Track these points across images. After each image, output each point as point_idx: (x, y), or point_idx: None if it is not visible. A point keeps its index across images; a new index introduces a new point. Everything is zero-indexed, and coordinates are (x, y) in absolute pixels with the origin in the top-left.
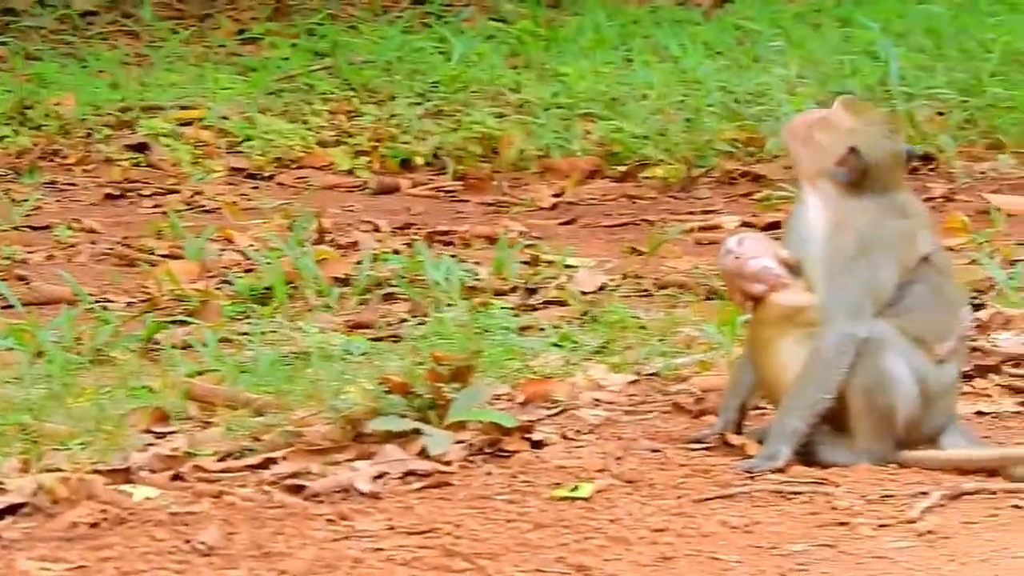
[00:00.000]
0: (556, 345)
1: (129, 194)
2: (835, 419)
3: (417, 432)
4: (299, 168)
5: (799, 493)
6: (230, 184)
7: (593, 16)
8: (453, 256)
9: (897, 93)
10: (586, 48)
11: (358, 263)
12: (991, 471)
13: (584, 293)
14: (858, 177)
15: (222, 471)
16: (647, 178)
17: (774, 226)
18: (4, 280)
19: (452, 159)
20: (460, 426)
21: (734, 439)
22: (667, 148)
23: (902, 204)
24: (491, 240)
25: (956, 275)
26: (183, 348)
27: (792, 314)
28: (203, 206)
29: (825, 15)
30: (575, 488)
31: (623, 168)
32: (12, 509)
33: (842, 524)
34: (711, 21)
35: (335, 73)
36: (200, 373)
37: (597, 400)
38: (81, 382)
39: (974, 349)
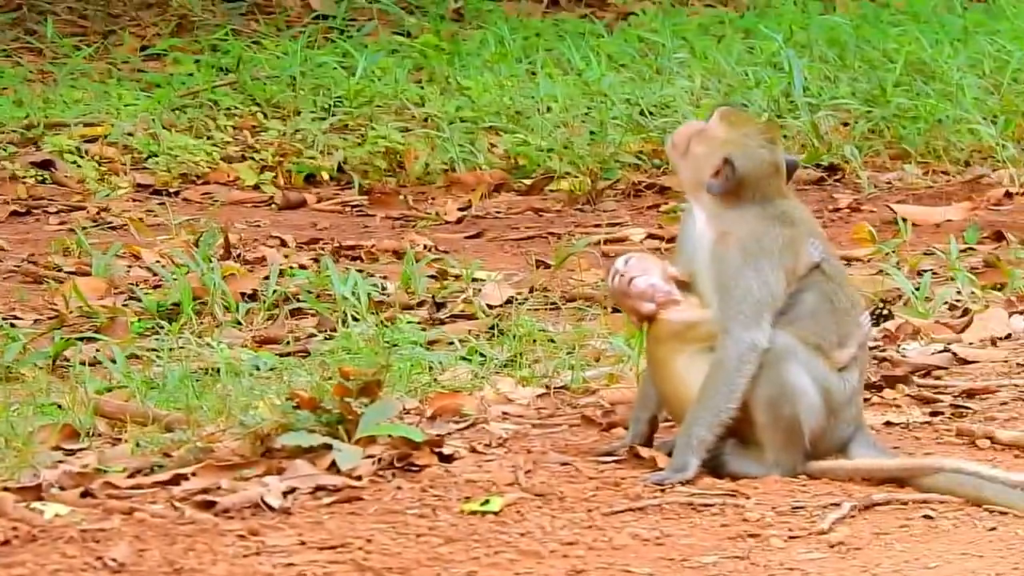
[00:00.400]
0: (464, 359)
1: (35, 211)
2: (743, 431)
3: (327, 447)
4: (205, 184)
5: (709, 505)
6: (136, 200)
7: (496, 29)
8: (360, 271)
9: (801, 104)
10: (490, 61)
11: (265, 278)
12: (900, 481)
13: (491, 307)
14: (733, 188)
15: (132, 487)
16: (553, 191)
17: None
18: None
19: (358, 173)
20: (370, 441)
21: (644, 452)
22: (572, 161)
23: (785, 212)
24: (398, 254)
25: (863, 285)
26: (92, 365)
27: (684, 330)
28: (109, 223)
29: (728, 26)
30: (485, 502)
31: (529, 181)
32: None
33: (753, 536)
34: (614, 34)
35: (239, 89)
36: (109, 390)
37: (506, 413)
38: None
39: (883, 360)
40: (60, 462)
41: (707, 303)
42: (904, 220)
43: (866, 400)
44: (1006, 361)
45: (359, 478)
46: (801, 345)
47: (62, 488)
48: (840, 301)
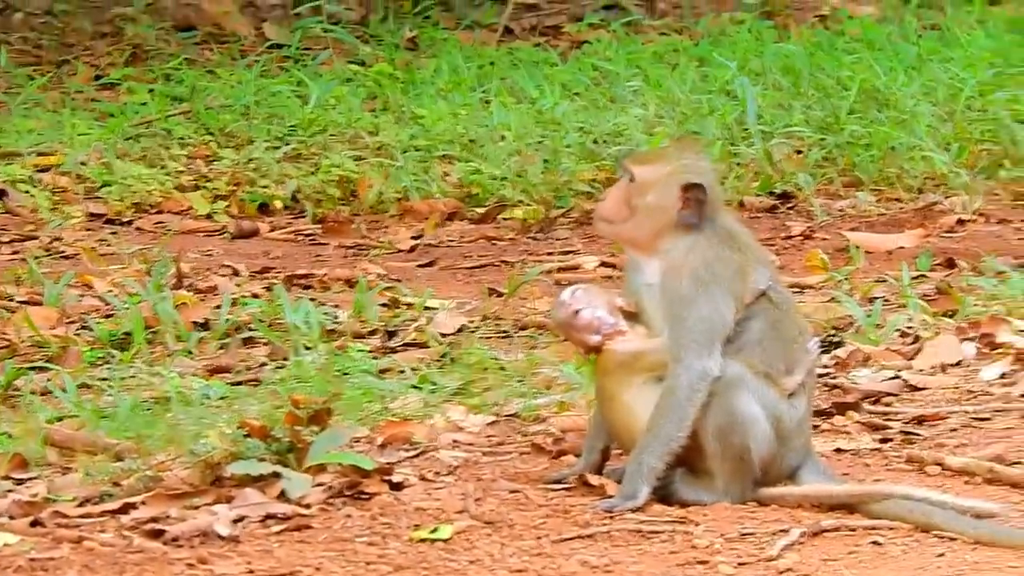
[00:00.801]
0: (415, 387)
1: None
2: (692, 460)
3: (276, 475)
4: (157, 213)
5: (659, 532)
6: (88, 230)
7: (450, 58)
8: (312, 299)
9: (755, 131)
10: (443, 90)
11: (217, 307)
12: (849, 507)
13: (444, 335)
14: (705, 210)
15: (82, 516)
16: (506, 219)
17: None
18: None
19: (311, 202)
20: (319, 469)
21: (593, 479)
22: (525, 189)
23: (733, 236)
24: (350, 283)
25: (815, 313)
26: (42, 394)
27: (631, 361)
28: (62, 252)
29: (682, 55)
30: (435, 529)
31: (482, 210)
32: None
33: (702, 563)
34: (568, 62)
35: (193, 118)
36: (60, 419)
37: (456, 441)
38: None
39: (833, 387)
40: (9, 491)
41: (655, 333)
42: (856, 247)
43: (816, 427)
44: (956, 388)
45: (308, 506)
46: (751, 373)
47: (11, 517)
48: (787, 328)
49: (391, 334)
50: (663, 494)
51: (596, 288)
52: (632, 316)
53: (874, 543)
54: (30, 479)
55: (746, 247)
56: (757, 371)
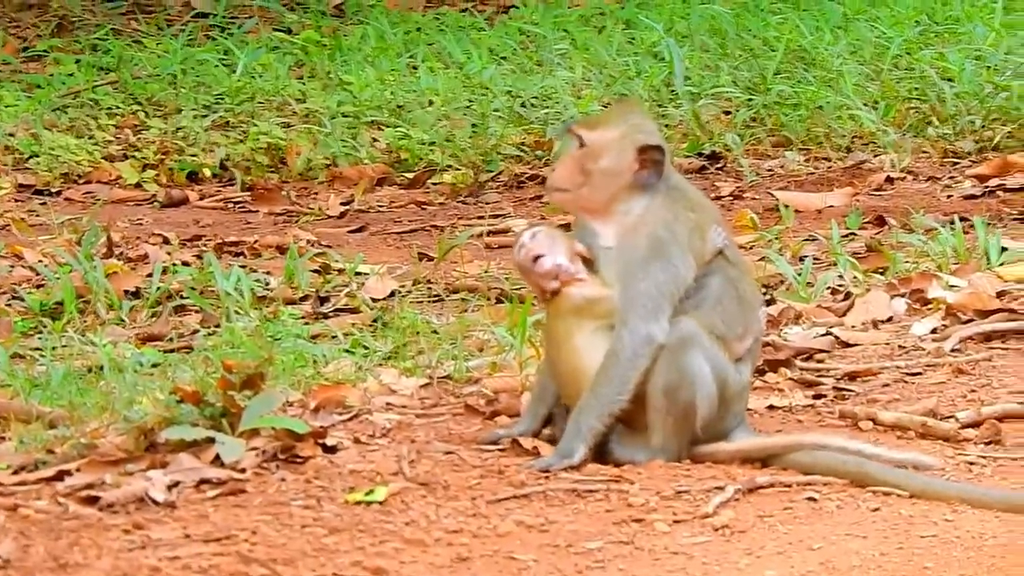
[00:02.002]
0: (348, 352)
1: None
2: (631, 416)
3: (210, 440)
4: (87, 183)
5: (594, 491)
6: (18, 201)
7: (377, 24)
8: (243, 267)
9: (683, 93)
10: (371, 56)
11: (148, 276)
12: (783, 463)
13: (375, 300)
14: (662, 169)
15: (16, 484)
16: (435, 184)
17: (563, 228)
18: None
19: (240, 170)
20: (253, 433)
21: (527, 442)
22: (454, 154)
23: (688, 196)
24: (281, 250)
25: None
26: None
27: (586, 307)
28: None
29: (609, 18)
30: (370, 492)
31: (411, 175)
32: None
33: (637, 521)
34: (495, 27)
35: (120, 88)
36: None
37: (389, 404)
38: None
39: (765, 344)
40: None
41: (609, 285)
42: (786, 207)
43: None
44: (888, 344)
45: (243, 471)
46: (705, 333)
47: None
48: (744, 290)
49: (323, 300)
50: (598, 453)
51: (557, 231)
52: (589, 263)
53: (809, 499)
54: None
55: (700, 205)
56: (712, 332)
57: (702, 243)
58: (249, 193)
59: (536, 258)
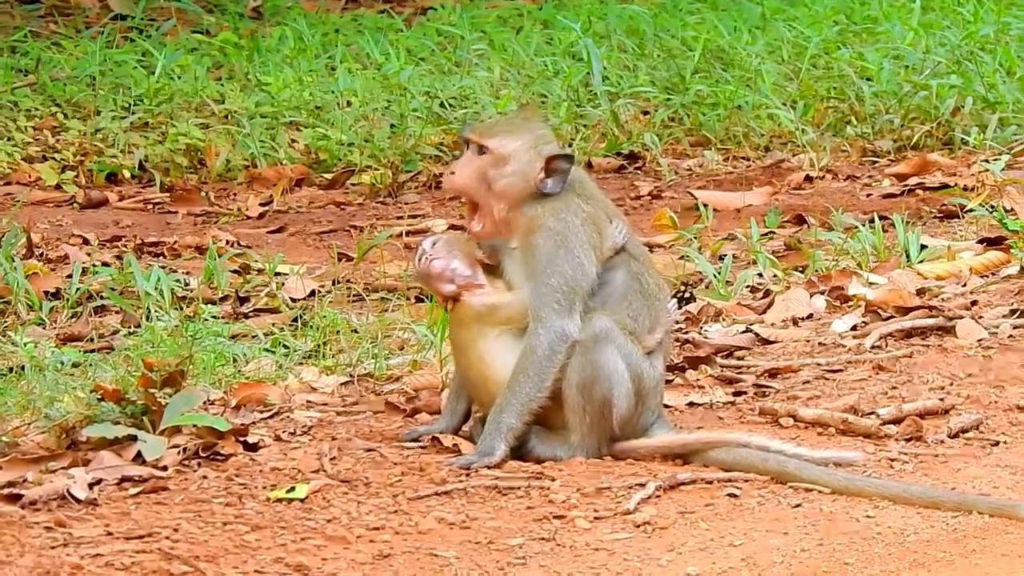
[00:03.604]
0: (268, 351)
1: None
2: (549, 415)
3: (132, 438)
4: (6, 184)
5: (515, 488)
6: None
7: (295, 26)
8: (163, 267)
9: (601, 93)
10: (289, 57)
11: (68, 276)
12: (703, 459)
13: (295, 300)
14: (567, 177)
15: None
16: (354, 184)
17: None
18: None
19: (159, 171)
20: (174, 431)
21: (447, 440)
22: (373, 154)
23: (586, 192)
24: (200, 250)
25: (665, 270)
26: None
27: (486, 313)
28: None
29: (527, 18)
30: (291, 489)
31: (330, 175)
32: None
33: (559, 517)
34: (413, 28)
35: (39, 90)
36: None
37: (310, 402)
38: None
39: (685, 341)
40: None
41: (514, 287)
42: (705, 206)
43: (669, 382)
44: (808, 341)
45: (165, 468)
46: (617, 329)
47: None
48: (649, 284)
49: (242, 300)
50: (519, 452)
51: (457, 239)
52: (491, 269)
53: (730, 495)
54: None
55: (598, 200)
56: (624, 327)
57: (599, 236)
58: (168, 194)
59: (433, 263)
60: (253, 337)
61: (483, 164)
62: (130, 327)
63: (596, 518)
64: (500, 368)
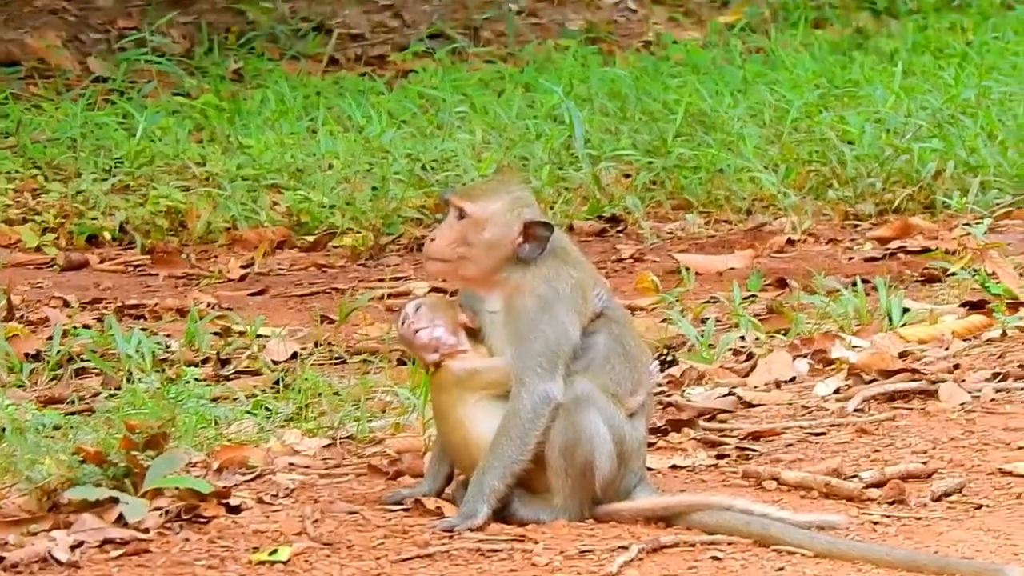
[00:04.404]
0: (250, 413)
1: None
2: (531, 477)
3: (114, 500)
4: None
5: (498, 550)
6: None
7: (276, 88)
8: (144, 329)
9: (583, 156)
10: (270, 120)
11: (49, 339)
12: (686, 520)
13: (276, 362)
14: (547, 244)
15: None
16: (336, 247)
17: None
18: None
19: (140, 233)
20: (156, 493)
21: (430, 502)
22: (355, 217)
23: (569, 256)
24: (182, 312)
25: (647, 333)
26: None
27: (467, 379)
28: None
29: (508, 81)
30: (274, 552)
31: (311, 238)
32: None
33: None
34: (394, 91)
35: (20, 152)
36: None
37: (292, 464)
38: None
39: (668, 404)
40: None
41: (496, 352)
42: (687, 269)
43: (652, 444)
44: (790, 404)
45: (147, 531)
46: (599, 392)
47: None
48: (631, 347)
49: (224, 362)
50: (502, 514)
51: (440, 303)
52: (473, 333)
53: (713, 558)
54: None
55: (580, 264)
56: (606, 390)
57: (584, 302)
58: (149, 256)
59: (417, 331)
60: (235, 399)
61: (462, 228)
62: (111, 389)
63: None
64: (481, 433)
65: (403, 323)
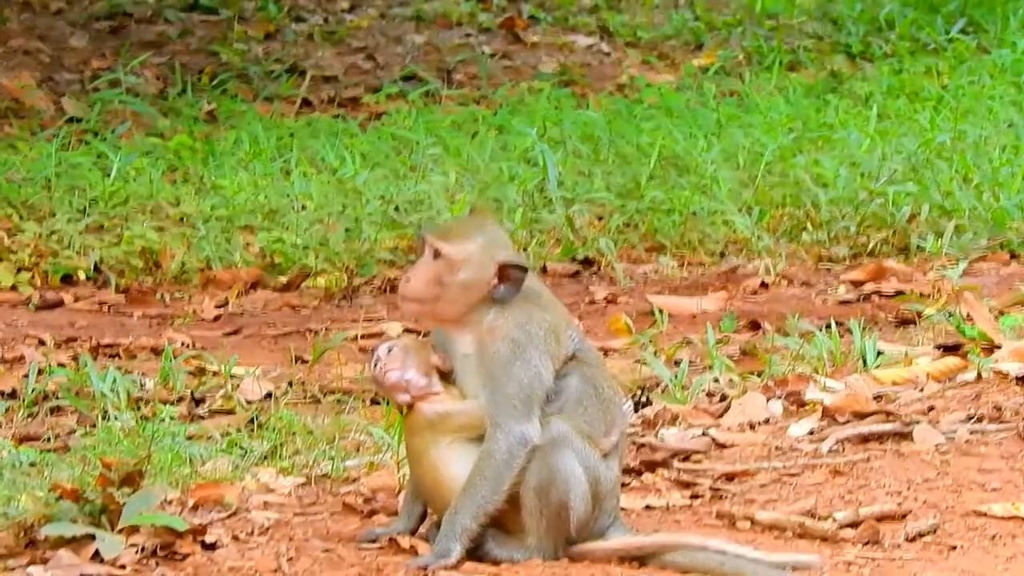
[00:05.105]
0: (225, 451)
1: None
2: (505, 517)
3: (90, 537)
4: None
5: None
6: None
7: (250, 129)
8: (119, 368)
9: (556, 198)
10: (244, 160)
11: (24, 376)
12: (659, 562)
13: (250, 401)
14: (521, 285)
15: None
16: (309, 287)
17: (425, 336)
18: None
19: (114, 273)
20: (133, 530)
21: (404, 541)
22: (328, 257)
23: (541, 298)
24: (156, 351)
25: (620, 375)
26: None
27: (439, 421)
28: None
29: (482, 123)
30: None
31: (285, 278)
32: None
33: None
34: (368, 132)
35: None
36: None
37: (267, 503)
38: None
39: (641, 445)
40: None
41: (468, 394)
42: (660, 311)
43: (625, 484)
44: (764, 445)
45: (123, 567)
46: (574, 433)
47: None
48: (603, 389)
49: (198, 401)
50: (476, 553)
51: (413, 344)
52: (446, 375)
53: None
54: None
55: (553, 306)
56: (580, 431)
57: (556, 345)
58: (124, 296)
59: (388, 372)
60: (209, 438)
61: (437, 269)
62: (86, 427)
63: None
64: (454, 475)
65: (375, 365)
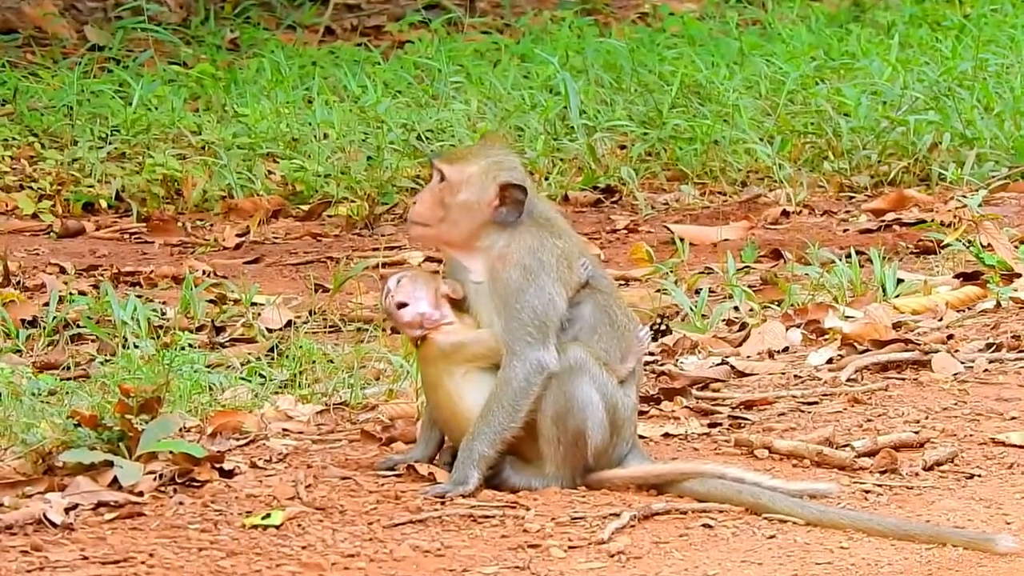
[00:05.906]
0: (244, 379)
1: None
2: (523, 446)
3: (108, 464)
4: None
5: (490, 517)
6: None
7: (272, 58)
8: (140, 296)
9: (578, 127)
10: (266, 89)
11: (45, 305)
12: (677, 490)
13: (271, 330)
14: (523, 207)
15: None
16: (331, 216)
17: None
18: None
19: (136, 201)
20: (151, 457)
21: (423, 468)
22: (350, 186)
23: (553, 225)
24: (177, 280)
25: (641, 303)
26: None
27: (452, 351)
28: None
29: (504, 52)
30: (267, 516)
31: (306, 207)
32: None
33: (533, 546)
34: (390, 61)
35: (16, 119)
36: None
37: (286, 430)
38: None
39: (661, 373)
40: None
41: (482, 323)
42: (681, 240)
43: (644, 413)
44: (783, 373)
45: (141, 494)
46: (592, 360)
47: None
48: (617, 316)
49: (219, 330)
50: (494, 481)
51: (423, 276)
52: (458, 304)
53: (705, 525)
54: None
55: (566, 234)
56: (597, 358)
57: (569, 272)
58: (145, 224)
59: (400, 305)
60: (229, 366)
61: (441, 191)
62: (106, 355)
63: (570, 547)
64: (469, 405)
65: (386, 297)
